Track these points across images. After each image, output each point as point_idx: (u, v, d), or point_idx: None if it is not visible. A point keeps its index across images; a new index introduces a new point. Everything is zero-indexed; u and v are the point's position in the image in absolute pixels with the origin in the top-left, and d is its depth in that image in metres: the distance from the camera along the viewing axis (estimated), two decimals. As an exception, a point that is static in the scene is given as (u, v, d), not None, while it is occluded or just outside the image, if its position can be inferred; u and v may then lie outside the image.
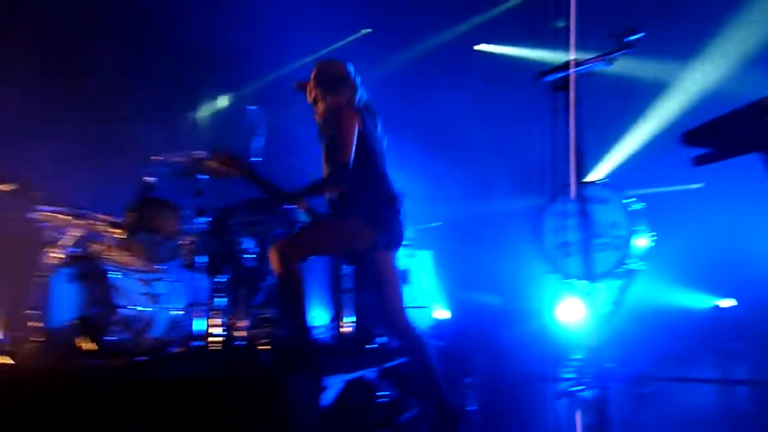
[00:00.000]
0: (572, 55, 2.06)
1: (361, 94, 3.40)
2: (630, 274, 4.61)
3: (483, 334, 5.08)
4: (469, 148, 7.00)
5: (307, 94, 3.44)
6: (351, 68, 3.45)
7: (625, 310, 4.67)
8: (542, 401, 4.01)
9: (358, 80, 3.43)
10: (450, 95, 6.90)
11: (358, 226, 3.21)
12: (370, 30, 7.27)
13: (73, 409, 2.91)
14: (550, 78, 2.13)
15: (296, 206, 3.56)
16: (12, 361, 3.61)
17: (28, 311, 4.40)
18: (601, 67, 2.24)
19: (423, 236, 6.09)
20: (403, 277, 5.43)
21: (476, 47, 7.54)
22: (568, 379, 4.21)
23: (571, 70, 2.05)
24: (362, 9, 6.92)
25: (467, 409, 3.79)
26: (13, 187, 4.08)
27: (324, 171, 3.28)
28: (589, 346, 4.35)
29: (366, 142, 3.26)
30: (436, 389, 3.23)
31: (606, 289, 4.70)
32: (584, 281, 4.59)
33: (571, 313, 5.19)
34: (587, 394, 3.75)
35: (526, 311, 5.71)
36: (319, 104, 3.39)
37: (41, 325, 4.08)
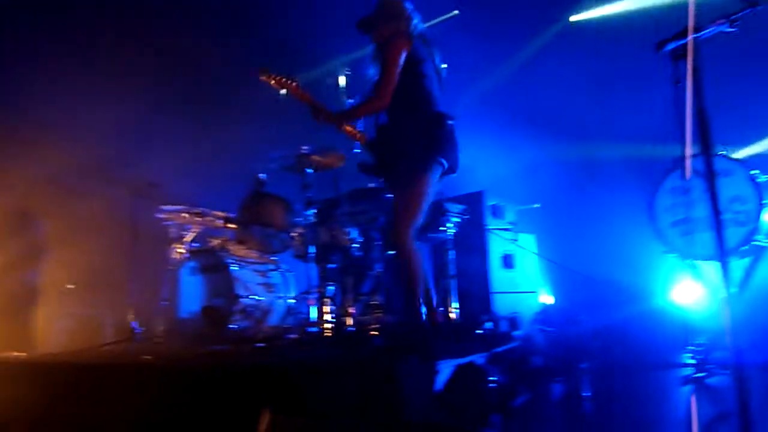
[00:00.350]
0: (690, 20, 1.91)
1: (416, 24, 3.54)
2: (758, 251, 4.26)
3: (595, 318, 4.89)
4: (570, 123, 6.70)
5: (369, 28, 3.59)
6: (409, 5, 3.59)
7: (754, 291, 4.33)
8: (665, 388, 3.81)
9: (414, 14, 3.57)
10: (549, 69, 6.65)
11: (426, 168, 3.26)
12: (457, 12, 7.16)
13: (204, 393, 3.14)
14: (670, 47, 2.00)
15: (347, 131, 3.62)
16: (145, 349, 3.93)
17: (160, 302, 4.80)
18: (724, 30, 2.07)
19: (525, 219, 5.96)
20: (507, 261, 5.37)
21: (572, 18, 7.19)
22: (691, 365, 3.99)
23: (690, 36, 1.90)
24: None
25: (583, 394, 3.68)
26: (143, 189, 4.45)
27: None
28: (711, 330, 4.10)
29: (417, 67, 3.38)
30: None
31: (730, 269, 4.37)
32: (706, 260, 4.34)
33: (689, 295, 4.90)
34: (714, 381, 3.54)
35: (641, 293, 5.43)
36: (376, 33, 3.55)
37: (171, 314, 4.44)
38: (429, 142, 3.28)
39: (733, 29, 2.06)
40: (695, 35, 1.95)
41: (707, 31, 2.01)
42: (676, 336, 4.73)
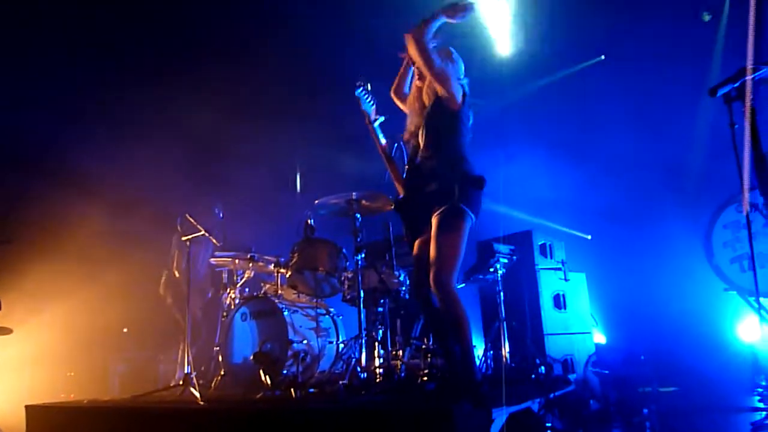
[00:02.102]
0: (749, 62, 1.90)
1: (465, 84, 3.49)
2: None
3: (655, 358, 4.72)
4: (624, 158, 6.59)
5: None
6: (461, 63, 3.56)
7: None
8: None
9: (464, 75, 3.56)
10: (601, 104, 6.60)
11: (464, 216, 3.23)
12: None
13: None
14: (723, 91, 1.99)
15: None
16: (199, 394, 3.98)
17: (213, 348, 4.90)
18: (774, 71, 2.04)
19: (575, 257, 5.85)
20: (558, 302, 5.26)
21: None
22: (761, 409, 3.80)
23: (748, 77, 1.88)
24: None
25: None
26: (198, 235, 4.59)
27: None
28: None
29: (460, 124, 3.38)
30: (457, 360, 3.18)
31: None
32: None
33: (756, 332, 4.70)
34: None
35: (703, 332, 5.23)
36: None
37: (224, 360, 4.51)
38: (467, 199, 3.27)
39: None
40: (748, 77, 1.94)
41: (760, 72, 2.00)
42: (743, 376, 4.52)
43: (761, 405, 3.93)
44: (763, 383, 4.14)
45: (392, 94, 3.74)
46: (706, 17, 6.37)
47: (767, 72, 1.99)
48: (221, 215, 5.75)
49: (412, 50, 3.33)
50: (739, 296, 4.55)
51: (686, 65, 6.02)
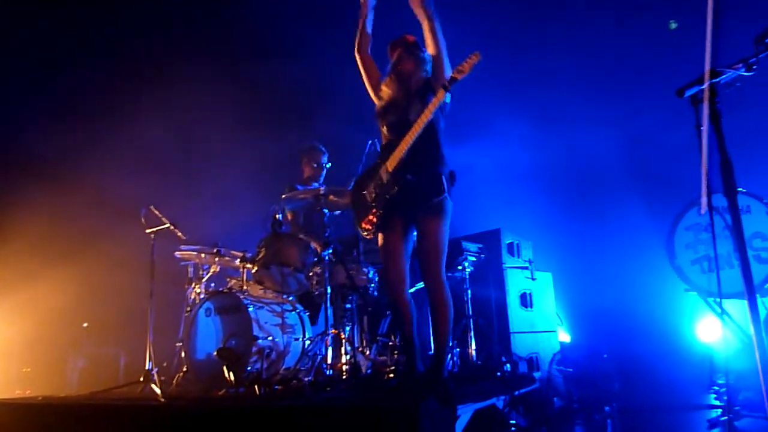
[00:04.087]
0: (707, 66, 1.93)
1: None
2: (782, 288, 4.19)
3: (617, 357, 4.80)
4: (589, 158, 6.67)
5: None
6: None
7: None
8: (691, 431, 3.70)
9: None
10: (568, 104, 6.68)
11: (450, 208, 3.29)
12: None
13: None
14: (689, 93, 2.01)
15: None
16: (160, 391, 3.90)
17: (175, 343, 4.79)
18: (741, 75, 2.08)
19: (541, 257, 5.92)
20: (525, 300, 5.31)
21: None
22: (718, 407, 3.89)
23: (707, 82, 1.92)
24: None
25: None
26: (163, 228, 4.47)
27: None
28: (736, 370, 4.00)
29: (444, 121, 3.44)
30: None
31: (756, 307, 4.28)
32: (728, 298, 4.27)
33: (713, 333, 4.81)
34: (742, 424, 3.43)
35: (664, 332, 5.34)
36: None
37: (187, 356, 4.42)
38: (448, 194, 3.31)
39: (750, 73, 2.08)
40: (713, 80, 1.97)
41: (725, 76, 2.03)
42: (700, 375, 4.63)
43: (717, 403, 4.03)
44: (720, 382, 4.24)
45: (356, 54, 3.71)
46: (673, 25, 6.50)
47: (732, 75, 2.03)
48: (327, 164, 5.21)
49: (431, 27, 3.38)
50: (699, 297, 4.64)
51: (655, 65, 6.15)
